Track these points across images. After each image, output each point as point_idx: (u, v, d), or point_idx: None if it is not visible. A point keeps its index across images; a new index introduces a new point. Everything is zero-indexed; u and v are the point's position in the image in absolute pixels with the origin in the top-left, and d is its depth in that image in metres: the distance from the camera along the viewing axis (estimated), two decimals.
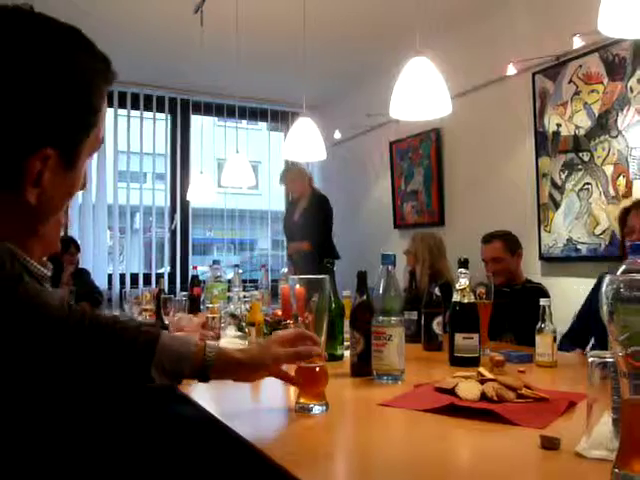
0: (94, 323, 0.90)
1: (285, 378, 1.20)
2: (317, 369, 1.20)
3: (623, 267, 0.99)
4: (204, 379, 1.01)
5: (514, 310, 2.59)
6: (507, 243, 2.88)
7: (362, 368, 1.56)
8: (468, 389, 1.26)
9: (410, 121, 2.53)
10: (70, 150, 0.86)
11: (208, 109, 5.24)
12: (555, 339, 1.75)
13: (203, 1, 3.35)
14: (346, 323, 1.78)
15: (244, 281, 3.71)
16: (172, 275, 5.15)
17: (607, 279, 0.85)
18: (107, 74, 0.91)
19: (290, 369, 1.22)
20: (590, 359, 0.98)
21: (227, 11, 3.07)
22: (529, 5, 3.35)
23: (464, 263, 1.78)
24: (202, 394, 1.51)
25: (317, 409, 1.20)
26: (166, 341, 0.94)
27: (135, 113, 5.02)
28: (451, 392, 1.28)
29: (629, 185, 2.84)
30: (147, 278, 5.07)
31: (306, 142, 2.51)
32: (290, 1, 2.90)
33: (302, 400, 1.21)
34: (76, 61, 0.85)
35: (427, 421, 1.16)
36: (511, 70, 3.31)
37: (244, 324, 2.29)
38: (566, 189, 3.16)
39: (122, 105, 4.96)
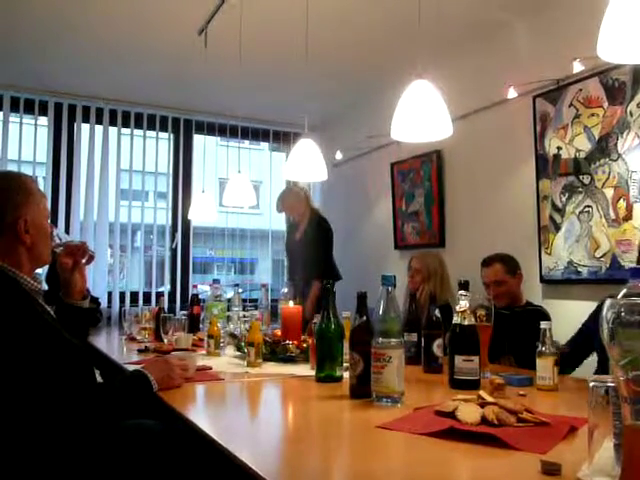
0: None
1: None
2: None
3: (624, 291, 0.99)
4: None
5: (514, 332, 2.58)
6: (507, 265, 2.89)
7: (361, 390, 1.55)
8: (468, 412, 1.25)
9: (411, 143, 2.54)
10: None
11: (211, 129, 5.27)
12: (557, 362, 1.74)
13: (207, 23, 3.39)
14: (346, 345, 1.78)
15: (244, 300, 3.70)
16: (172, 294, 5.13)
17: (608, 303, 0.85)
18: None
19: None
20: (591, 384, 0.97)
21: (230, 33, 3.11)
22: (529, 29, 3.39)
23: (464, 285, 1.77)
24: (197, 414, 1.50)
25: None
26: None
27: (138, 132, 5.06)
28: (451, 415, 1.27)
29: (629, 208, 2.84)
30: (147, 296, 5.05)
31: (307, 163, 2.53)
32: (292, 23, 2.94)
33: None
34: None
35: (426, 445, 1.15)
36: (512, 93, 3.34)
37: (243, 344, 2.28)
38: (567, 211, 3.17)
39: (126, 124, 4.99)
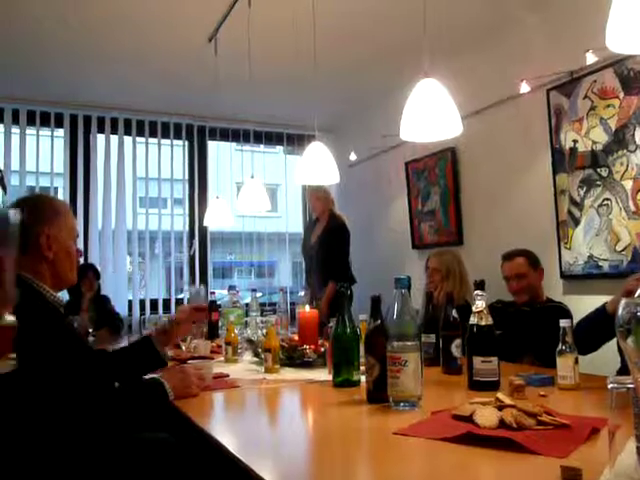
0: None
1: None
2: None
3: None
4: None
5: (535, 330, 2.54)
6: (529, 258, 2.84)
7: (378, 394, 1.53)
8: (486, 416, 1.22)
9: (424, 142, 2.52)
10: None
11: (225, 134, 5.29)
12: (577, 360, 1.70)
13: (217, 30, 3.40)
14: (362, 348, 1.76)
15: (263, 304, 3.70)
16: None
17: (622, 302, 0.82)
18: None
19: None
20: (610, 385, 0.95)
21: (240, 39, 3.11)
22: (541, 22, 3.34)
23: (480, 285, 1.75)
24: (213, 424, 1.50)
25: None
26: None
27: (153, 140, 5.09)
28: (469, 419, 1.24)
29: None
30: (167, 303, 5.09)
31: (319, 166, 2.51)
32: (300, 28, 2.93)
33: None
34: None
35: (444, 450, 1.13)
36: (525, 87, 3.29)
37: (260, 350, 2.28)
38: (585, 205, 3.11)
39: (140, 133, 5.04)
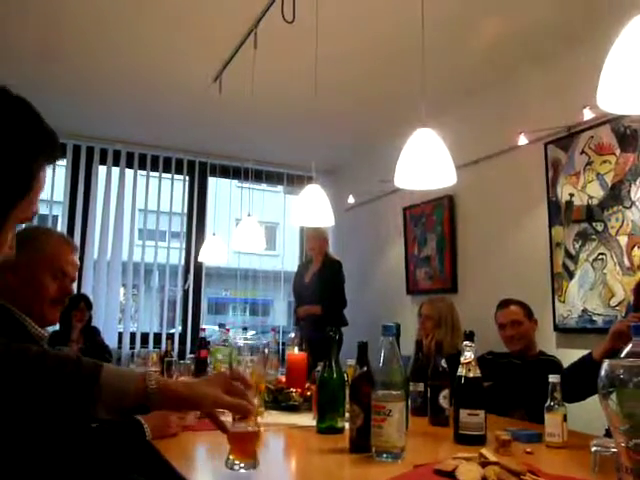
0: (33, 362, 0.93)
1: (216, 423, 1.14)
2: (249, 429, 1.22)
3: (627, 350, 0.95)
4: (145, 411, 1.04)
5: (526, 384, 2.50)
6: (524, 308, 2.83)
7: (361, 443, 1.50)
8: (468, 473, 1.19)
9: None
10: None
11: (226, 172, 5.34)
12: (565, 418, 1.67)
13: (222, 71, 3.46)
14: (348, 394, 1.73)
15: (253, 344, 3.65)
16: (183, 335, 5.10)
17: (606, 365, 0.81)
18: (50, 146, 0.94)
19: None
20: (593, 448, 0.93)
21: (244, 80, 3.17)
22: (539, 77, 3.41)
23: (469, 336, 1.73)
24: (192, 468, 1.46)
25: (243, 467, 1.23)
26: (107, 376, 0.95)
27: (154, 173, 5.14)
28: (451, 475, 1.21)
29: None
30: (158, 338, 5.04)
31: (314, 208, 2.52)
32: (303, 74, 2.98)
33: (231, 457, 1.24)
34: (17, 125, 0.88)
35: None
36: (523, 140, 3.33)
37: None
38: (580, 259, 3.11)
39: (142, 167, 5.08)
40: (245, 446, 1.24)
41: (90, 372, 0.95)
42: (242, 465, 1.23)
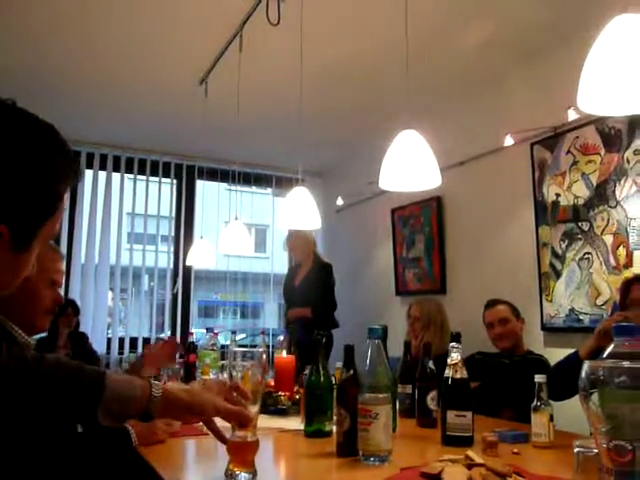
0: (36, 368, 0.94)
1: (215, 432, 1.15)
2: (249, 439, 1.22)
3: (608, 350, 0.95)
4: (147, 418, 1.04)
5: (514, 383, 2.51)
6: (511, 307, 2.86)
7: (348, 447, 1.50)
8: (454, 475, 1.19)
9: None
10: (24, 232, 0.89)
11: (213, 174, 5.31)
12: (552, 417, 1.68)
13: (208, 73, 3.45)
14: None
15: (244, 346, 3.65)
16: None
17: (586, 366, 0.81)
18: (74, 171, 0.97)
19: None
20: (576, 449, 0.93)
21: (230, 83, 3.16)
22: (525, 79, 3.43)
23: (456, 337, 1.73)
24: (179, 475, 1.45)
25: (243, 477, 1.22)
26: (112, 383, 0.96)
27: (141, 177, 5.11)
28: (437, 478, 1.21)
29: (629, 255, 2.80)
30: (147, 342, 5.00)
31: (301, 211, 2.52)
32: (288, 75, 2.98)
33: (230, 466, 1.24)
34: (46, 151, 0.92)
35: None
36: (509, 141, 3.35)
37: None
38: (567, 258, 3.13)
39: (129, 170, 5.05)
40: (245, 456, 1.23)
41: (94, 380, 0.96)
42: (243, 476, 1.22)
